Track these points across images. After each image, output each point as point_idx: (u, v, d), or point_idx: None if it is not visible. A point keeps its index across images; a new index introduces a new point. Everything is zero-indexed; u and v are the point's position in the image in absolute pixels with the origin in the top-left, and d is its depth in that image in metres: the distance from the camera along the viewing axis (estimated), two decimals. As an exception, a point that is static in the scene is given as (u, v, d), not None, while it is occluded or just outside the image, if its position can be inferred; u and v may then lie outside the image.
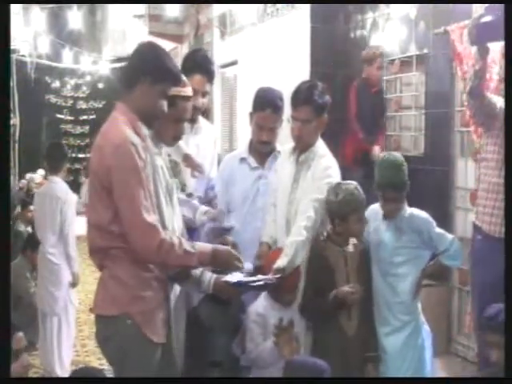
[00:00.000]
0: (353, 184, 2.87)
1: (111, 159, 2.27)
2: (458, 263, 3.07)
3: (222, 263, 2.47)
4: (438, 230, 2.91)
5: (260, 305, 2.88)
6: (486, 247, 3.18)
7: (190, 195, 3.00)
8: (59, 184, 4.80)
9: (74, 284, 4.81)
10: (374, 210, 2.98)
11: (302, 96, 2.95)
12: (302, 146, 3.01)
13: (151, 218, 2.27)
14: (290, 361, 2.45)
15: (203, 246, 2.43)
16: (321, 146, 3.05)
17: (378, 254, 2.93)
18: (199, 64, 3.24)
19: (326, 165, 2.97)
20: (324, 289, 2.84)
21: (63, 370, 4.64)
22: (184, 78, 2.69)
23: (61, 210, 4.67)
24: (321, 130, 3.03)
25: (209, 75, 3.23)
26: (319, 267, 2.86)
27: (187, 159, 2.99)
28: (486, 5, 3.05)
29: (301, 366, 2.35)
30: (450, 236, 2.93)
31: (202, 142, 3.25)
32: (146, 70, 2.38)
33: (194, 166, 3.01)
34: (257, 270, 2.81)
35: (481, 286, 3.24)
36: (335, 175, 2.98)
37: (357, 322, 2.84)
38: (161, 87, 2.39)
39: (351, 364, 2.80)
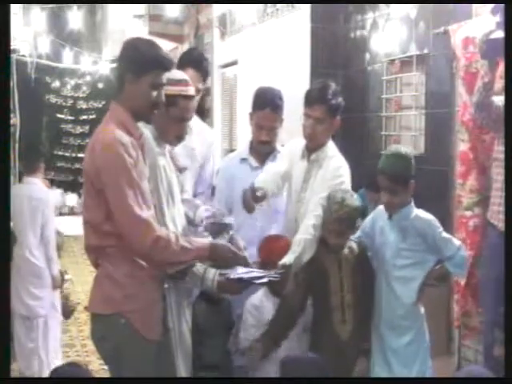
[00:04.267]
0: (346, 195, 2.78)
1: (100, 160, 2.28)
2: (463, 272, 3.02)
3: (219, 258, 2.45)
4: (445, 234, 2.84)
5: (256, 297, 2.88)
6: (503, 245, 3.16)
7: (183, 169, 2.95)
8: (38, 185, 4.64)
9: (54, 286, 4.67)
10: (381, 210, 2.94)
11: (317, 94, 2.95)
12: (313, 145, 3.00)
13: (145, 214, 2.27)
14: (285, 360, 2.39)
15: (201, 242, 2.43)
16: (331, 146, 3.05)
17: (382, 255, 2.88)
18: (193, 59, 3.27)
19: (336, 165, 2.97)
20: (317, 294, 2.83)
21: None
22: (185, 76, 2.69)
23: (42, 211, 4.53)
24: (332, 131, 3.03)
25: (202, 72, 3.24)
26: (314, 270, 2.84)
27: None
28: (494, 17, 3.02)
29: (296, 363, 2.32)
30: (456, 243, 2.86)
31: (194, 142, 3.25)
32: (127, 65, 2.38)
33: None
34: (261, 263, 2.81)
35: (497, 282, 3.21)
36: (346, 175, 2.98)
37: (351, 326, 2.82)
38: (147, 78, 2.35)
39: (346, 367, 2.78)
